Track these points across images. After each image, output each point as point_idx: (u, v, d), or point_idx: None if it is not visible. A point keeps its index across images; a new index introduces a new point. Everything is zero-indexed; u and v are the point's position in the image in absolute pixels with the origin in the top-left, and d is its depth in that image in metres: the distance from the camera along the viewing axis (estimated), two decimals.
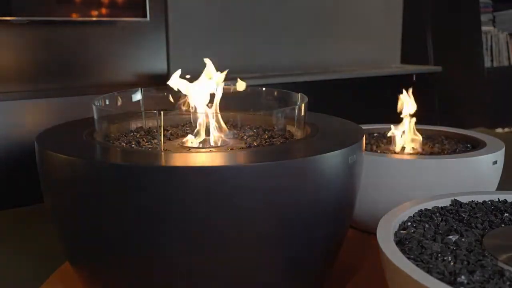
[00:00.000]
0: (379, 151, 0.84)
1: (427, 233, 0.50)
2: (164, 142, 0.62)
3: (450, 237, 0.49)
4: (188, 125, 0.74)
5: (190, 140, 0.64)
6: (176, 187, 0.50)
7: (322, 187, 0.56)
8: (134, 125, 0.73)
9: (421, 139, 0.87)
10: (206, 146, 0.64)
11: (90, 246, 0.57)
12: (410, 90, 0.88)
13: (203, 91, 0.65)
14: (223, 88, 0.68)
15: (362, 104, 2.39)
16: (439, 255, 0.46)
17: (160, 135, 0.61)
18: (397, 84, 2.54)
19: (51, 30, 1.72)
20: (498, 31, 3.08)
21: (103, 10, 1.72)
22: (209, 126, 0.65)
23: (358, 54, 2.72)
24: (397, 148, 0.86)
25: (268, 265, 0.56)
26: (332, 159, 0.56)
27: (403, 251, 0.46)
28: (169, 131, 0.71)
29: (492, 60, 3.05)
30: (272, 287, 0.58)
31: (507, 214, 0.56)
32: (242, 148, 0.62)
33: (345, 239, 0.65)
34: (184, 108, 0.66)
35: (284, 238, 0.55)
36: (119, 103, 0.73)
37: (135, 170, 0.51)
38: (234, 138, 0.68)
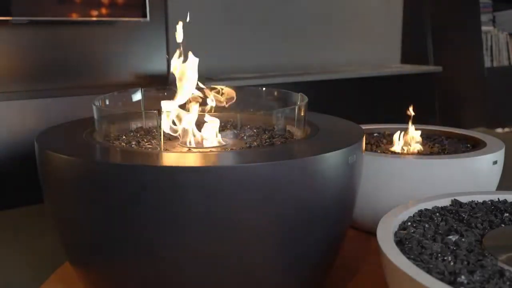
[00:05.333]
0: (379, 151, 0.84)
1: (427, 233, 0.50)
2: (164, 142, 0.62)
3: (450, 237, 0.49)
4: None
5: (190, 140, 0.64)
6: (176, 187, 0.50)
7: (322, 187, 0.56)
8: (134, 125, 0.73)
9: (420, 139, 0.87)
10: (206, 146, 0.64)
11: (90, 246, 0.57)
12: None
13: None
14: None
15: (362, 104, 2.39)
16: (439, 255, 0.46)
17: (160, 135, 0.61)
18: (397, 84, 2.54)
19: (51, 30, 1.72)
20: (498, 31, 3.08)
21: (103, 10, 1.72)
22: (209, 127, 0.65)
23: (358, 54, 2.71)
24: (397, 148, 0.86)
25: (268, 265, 0.56)
26: (332, 159, 0.56)
27: (403, 251, 0.46)
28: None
29: (492, 60, 3.04)
30: (272, 287, 0.58)
31: (507, 214, 0.56)
32: (242, 148, 0.62)
33: (345, 239, 0.65)
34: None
35: (284, 238, 0.55)
36: (119, 103, 0.73)
37: (135, 170, 0.51)
38: (234, 138, 0.68)
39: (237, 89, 0.74)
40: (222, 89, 0.70)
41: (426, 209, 0.57)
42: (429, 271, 0.42)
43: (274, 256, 0.56)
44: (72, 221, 0.58)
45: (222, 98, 0.69)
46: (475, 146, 0.84)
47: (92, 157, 0.56)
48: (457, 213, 0.56)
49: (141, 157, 0.55)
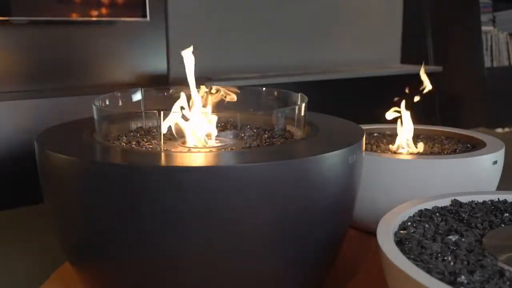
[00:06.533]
0: (379, 151, 0.84)
1: (427, 233, 0.50)
2: (164, 142, 0.62)
3: (450, 237, 0.49)
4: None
5: (190, 140, 0.64)
6: (176, 187, 0.50)
7: (322, 187, 0.56)
8: (134, 125, 0.73)
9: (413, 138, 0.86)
10: (206, 146, 0.64)
11: (90, 246, 0.57)
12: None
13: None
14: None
15: (362, 104, 2.39)
16: (439, 255, 0.46)
17: (160, 135, 0.61)
18: (397, 84, 2.55)
19: (51, 30, 1.72)
20: (498, 31, 3.08)
21: (103, 10, 1.72)
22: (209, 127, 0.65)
23: (358, 54, 2.72)
24: (397, 148, 0.86)
25: (268, 265, 0.56)
26: (332, 159, 0.56)
27: (403, 251, 0.46)
28: (169, 131, 0.71)
29: (492, 60, 3.04)
30: (272, 287, 0.58)
31: (507, 214, 0.56)
32: (242, 148, 0.62)
33: (345, 239, 0.65)
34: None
35: (284, 238, 0.55)
36: (119, 103, 0.73)
37: (135, 170, 0.51)
38: (234, 138, 0.68)
39: (237, 89, 0.74)
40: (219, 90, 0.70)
41: (426, 209, 0.57)
42: (429, 271, 0.42)
43: (274, 256, 0.56)
44: (72, 221, 0.58)
45: (226, 98, 0.69)
46: (475, 146, 0.84)
47: (92, 157, 0.56)
48: (457, 213, 0.56)
49: (141, 157, 0.55)
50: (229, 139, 0.67)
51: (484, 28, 2.99)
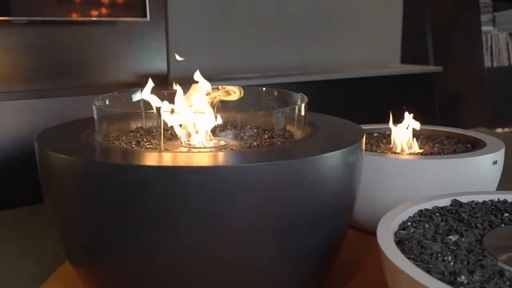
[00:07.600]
0: (379, 151, 0.84)
1: (427, 233, 0.50)
2: (164, 142, 0.62)
3: (450, 237, 0.49)
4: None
5: (189, 140, 0.64)
6: (176, 187, 0.50)
7: (322, 187, 0.56)
8: (134, 125, 0.73)
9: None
10: (206, 146, 0.64)
11: (90, 246, 0.57)
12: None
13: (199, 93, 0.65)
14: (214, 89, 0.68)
15: (362, 104, 2.39)
16: (439, 255, 0.46)
17: (160, 135, 0.61)
18: (397, 84, 2.54)
19: (51, 30, 1.72)
20: (498, 31, 3.08)
21: (103, 10, 1.72)
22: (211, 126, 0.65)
23: (358, 54, 2.71)
24: (397, 148, 0.86)
25: (268, 265, 0.56)
26: (332, 159, 0.56)
27: (403, 251, 0.46)
28: (169, 131, 0.71)
29: (492, 60, 3.04)
30: (271, 287, 0.58)
31: (507, 214, 0.56)
32: (242, 148, 0.62)
33: (345, 239, 0.65)
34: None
35: (284, 238, 0.55)
36: (119, 103, 0.73)
37: (135, 170, 0.51)
38: (234, 138, 0.68)
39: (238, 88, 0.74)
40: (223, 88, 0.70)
41: (426, 209, 0.57)
42: (429, 271, 0.42)
43: (274, 256, 0.56)
44: (72, 221, 0.58)
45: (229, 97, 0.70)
46: (475, 146, 0.84)
47: (92, 157, 0.56)
48: (457, 213, 0.56)
49: (141, 157, 0.55)
50: (229, 139, 0.67)
51: (484, 28, 2.99)
